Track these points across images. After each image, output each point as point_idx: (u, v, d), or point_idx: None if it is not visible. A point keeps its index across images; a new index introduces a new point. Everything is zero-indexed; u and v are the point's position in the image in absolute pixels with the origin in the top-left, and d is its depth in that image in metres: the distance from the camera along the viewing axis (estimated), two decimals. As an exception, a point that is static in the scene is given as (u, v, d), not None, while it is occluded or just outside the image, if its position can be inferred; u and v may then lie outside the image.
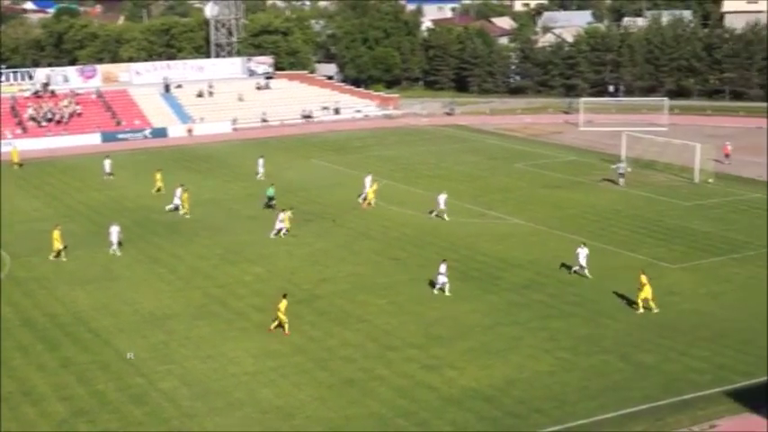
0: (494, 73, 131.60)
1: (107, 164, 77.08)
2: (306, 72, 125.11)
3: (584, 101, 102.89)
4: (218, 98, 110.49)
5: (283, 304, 41.24)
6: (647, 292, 43.06)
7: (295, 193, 69.26)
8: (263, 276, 49.82)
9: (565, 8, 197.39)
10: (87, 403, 34.91)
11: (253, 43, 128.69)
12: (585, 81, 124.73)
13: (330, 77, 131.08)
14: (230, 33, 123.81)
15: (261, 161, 76.13)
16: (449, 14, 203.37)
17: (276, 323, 41.50)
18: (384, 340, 40.35)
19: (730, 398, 34.28)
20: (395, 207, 64.67)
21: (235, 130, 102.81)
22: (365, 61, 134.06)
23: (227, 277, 49.76)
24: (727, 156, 78.08)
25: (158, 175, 71.58)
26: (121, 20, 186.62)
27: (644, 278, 43.31)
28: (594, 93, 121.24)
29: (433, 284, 46.50)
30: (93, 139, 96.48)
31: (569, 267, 49.20)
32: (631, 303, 44.20)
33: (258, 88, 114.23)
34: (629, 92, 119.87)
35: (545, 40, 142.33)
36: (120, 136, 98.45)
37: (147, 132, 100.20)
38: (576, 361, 37.82)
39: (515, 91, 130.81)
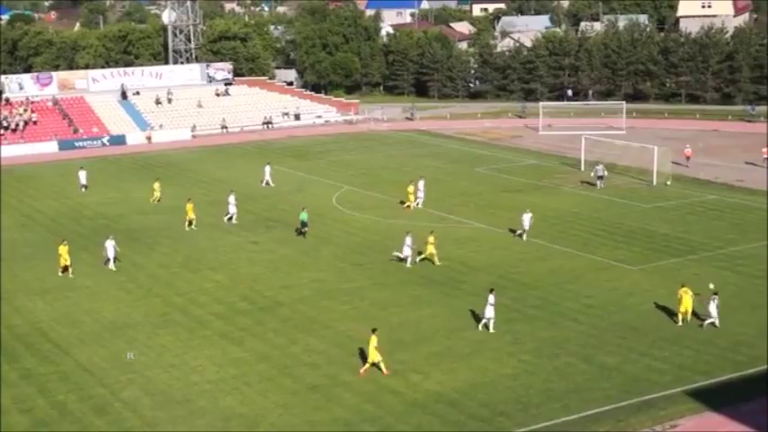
0: (453, 78, 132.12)
1: (82, 175, 75.24)
2: (265, 78, 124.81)
3: (543, 105, 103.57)
4: (177, 105, 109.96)
5: (373, 340, 37.25)
6: (686, 304, 41.76)
7: (256, 199, 69.04)
8: (224, 284, 49.62)
9: (523, 13, 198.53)
10: (48, 415, 34.57)
11: (211, 49, 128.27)
12: (544, 85, 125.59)
13: (290, 83, 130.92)
14: (188, 40, 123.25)
15: (267, 168, 74.94)
16: (408, 20, 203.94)
17: (369, 364, 37.42)
18: (348, 346, 40.32)
19: (691, 397, 34.61)
20: (357, 212, 64.67)
21: (194, 136, 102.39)
22: (325, 67, 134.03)
23: (189, 285, 49.52)
24: (687, 158, 78.85)
25: (156, 185, 70.33)
26: (77, 26, 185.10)
27: (683, 291, 42.08)
28: (553, 97, 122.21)
29: (478, 318, 42.63)
30: (50, 148, 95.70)
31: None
32: (590, 306, 44.55)
33: (217, 95, 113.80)
34: (587, 96, 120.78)
35: (504, 44, 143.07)
36: (78, 144, 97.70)
37: (105, 140, 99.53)
38: (539, 363, 38.03)
39: (475, 95, 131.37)
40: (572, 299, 45.57)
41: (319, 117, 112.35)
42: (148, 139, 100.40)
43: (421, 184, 66.26)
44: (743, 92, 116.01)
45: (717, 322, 41.40)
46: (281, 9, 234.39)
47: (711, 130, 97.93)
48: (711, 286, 43.78)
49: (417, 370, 37.65)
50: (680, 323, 41.92)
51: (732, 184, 71.82)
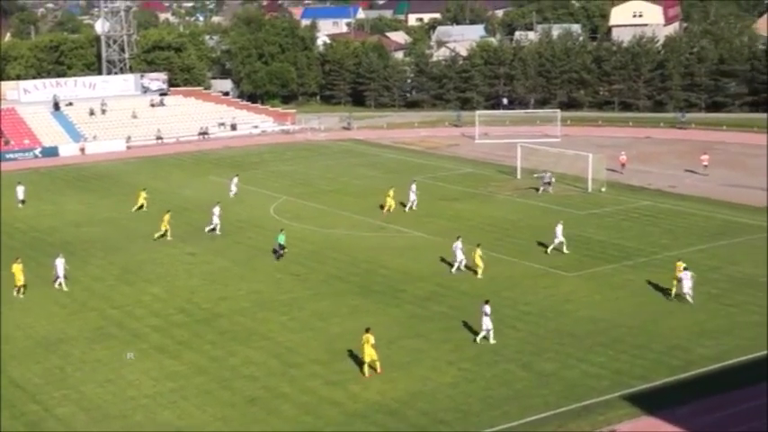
0: (390, 87, 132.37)
1: (20, 190, 73.40)
2: (201, 88, 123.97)
3: (479, 113, 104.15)
4: (111, 116, 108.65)
5: (370, 339, 37.65)
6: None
7: (192, 211, 68.43)
8: (161, 296, 49.03)
9: (458, 23, 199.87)
10: (-19, 432, 33.84)
11: (145, 59, 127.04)
12: (480, 94, 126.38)
13: (226, 93, 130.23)
14: (122, 50, 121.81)
15: (235, 179, 74.46)
16: (344, 29, 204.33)
17: (368, 365, 37.82)
18: (287, 357, 40.05)
19: (628, 402, 34.89)
20: (294, 223, 64.39)
21: (129, 148, 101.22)
22: (261, 77, 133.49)
23: (125, 298, 48.84)
24: (623, 165, 79.75)
25: (143, 194, 69.88)
26: (7, 36, 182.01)
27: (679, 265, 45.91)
28: (489, 106, 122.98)
29: (475, 333, 41.71)
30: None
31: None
32: (528, 313, 44.79)
33: (152, 105, 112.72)
34: (524, 104, 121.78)
35: (439, 54, 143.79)
36: (9, 156, 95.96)
37: (38, 152, 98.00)
38: (478, 371, 38.08)
39: (411, 105, 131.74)
40: (510, 306, 45.76)
41: (256, 127, 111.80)
42: (82, 150, 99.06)
43: (413, 186, 68.06)
44: (674, 99, 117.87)
45: (690, 297, 45.21)
46: (216, 19, 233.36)
47: (644, 137, 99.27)
48: (679, 263, 46.27)
49: (357, 380, 37.49)
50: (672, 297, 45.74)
51: (665, 190, 72.82)
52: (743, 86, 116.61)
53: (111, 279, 52.22)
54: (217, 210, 62.30)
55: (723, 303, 45.52)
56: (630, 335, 41.62)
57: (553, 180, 72.53)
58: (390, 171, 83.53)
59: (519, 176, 77.43)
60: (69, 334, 43.61)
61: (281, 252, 55.68)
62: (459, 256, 51.50)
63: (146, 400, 36.11)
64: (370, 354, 37.76)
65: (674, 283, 46.08)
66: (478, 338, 41.21)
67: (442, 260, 53.67)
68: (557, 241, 54.79)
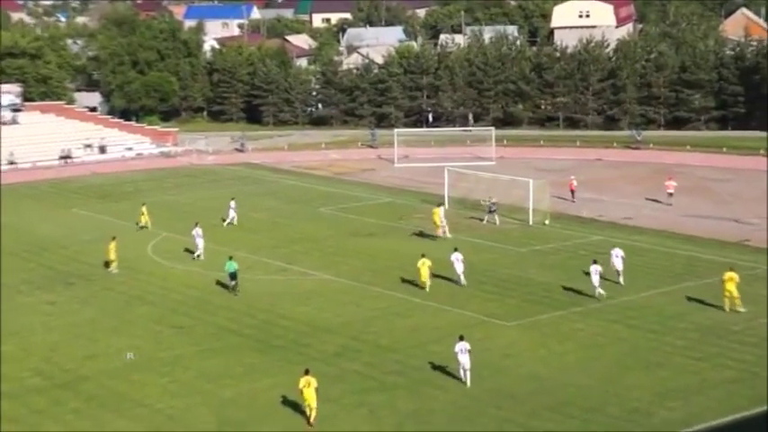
0: (291, 101, 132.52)
1: None
2: (63, 103, 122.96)
3: (398, 132, 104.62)
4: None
5: (313, 382, 39.20)
6: (731, 288, 51.64)
7: (53, 250, 67.53)
8: (14, 355, 48.07)
9: (372, 24, 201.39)
10: None
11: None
12: (399, 109, 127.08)
13: (93, 109, 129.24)
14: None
15: (232, 203, 75.25)
16: (236, 32, 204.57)
17: (313, 410, 39.30)
18: (168, 427, 39.55)
19: (579, 476, 35.11)
20: (177, 264, 63.84)
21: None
22: (136, 89, 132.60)
23: (-33, 359, 47.80)
24: (573, 192, 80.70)
25: (143, 209, 74.12)
26: None
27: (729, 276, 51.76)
28: (410, 122, 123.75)
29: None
30: None
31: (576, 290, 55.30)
32: (450, 372, 44.93)
33: (3, 123, 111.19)
34: (451, 121, 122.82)
35: (350, 61, 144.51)
36: None
37: None
38: (400, 442, 38.00)
39: (318, 122, 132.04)
40: (438, 362, 45.77)
41: (130, 149, 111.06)
42: None
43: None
44: (628, 114, 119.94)
45: (599, 292, 53.06)
46: (80, 20, 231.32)
47: (594, 160, 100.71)
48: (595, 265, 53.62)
49: (254, 455, 37.14)
50: (727, 309, 51.24)
51: (619, 222, 73.82)
52: (709, 99, 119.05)
53: (-49, 336, 51.09)
54: (199, 231, 65.56)
55: (691, 357, 46.04)
56: (581, 396, 41.88)
57: (495, 208, 73.07)
58: (292, 201, 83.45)
59: (447, 206, 77.84)
60: None
61: (233, 284, 56.68)
62: (460, 268, 57.06)
63: (-7, 485, 35.30)
64: (310, 399, 38.50)
65: (726, 294, 51.53)
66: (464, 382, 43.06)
67: (357, 307, 53.63)
68: (458, 271, 57.78)
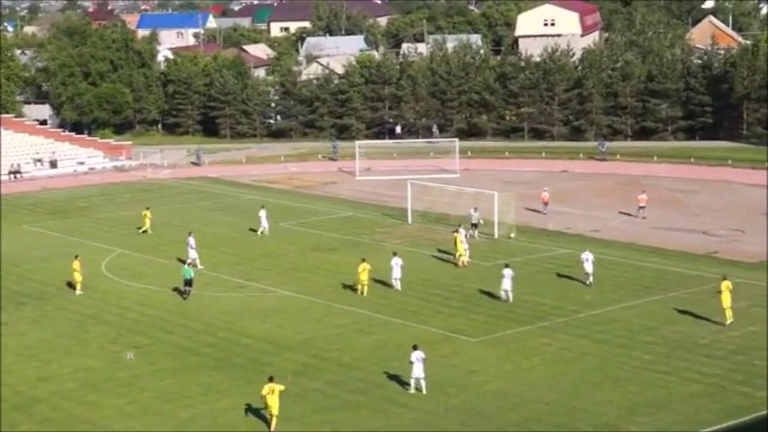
0: (249, 113, 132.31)
1: None
2: (11, 116, 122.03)
3: (359, 144, 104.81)
4: None
5: (277, 388, 40.49)
6: (726, 299, 52.14)
7: (3, 269, 67.07)
8: (-38, 378, 47.91)
9: (332, 33, 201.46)
10: None
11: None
12: (360, 120, 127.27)
13: (43, 122, 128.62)
14: None
15: (263, 213, 76.12)
16: (191, 41, 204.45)
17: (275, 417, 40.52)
18: (124, 450, 39.57)
19: (547, 494, 35.41)
20: (133, 282, 63.72)
21: None
22: (87, 101, 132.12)
23: None
24: (546, 204, 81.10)
25: (147, 213, 77.16)
26: None
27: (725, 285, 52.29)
28: (372, 134, 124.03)
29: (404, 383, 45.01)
30: None
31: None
32: (407, 387, 45.19)
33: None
34: (414, 132, 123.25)
35: (310, 71, 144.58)
36: None
37: None
38: (363, 461, 38.20)
39: (277, 134, 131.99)
40: (401, 380, 45.98)
41: (82, 164, 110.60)
42: None
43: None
44: (595, 125, 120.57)
45: (510, 296, 56.46)
46: (29, 29, 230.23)
47: (560, 171, 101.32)
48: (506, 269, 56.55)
49: (214, 477, 37.26)
50: (727, 322, 51.77)
51: (586, 234, 74.27)
52: (676, 109, 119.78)
53: None
54: (192, 241, 66.45)
55: (658, 371, 46.52)
56: (548, 412, 42.20)
57: (481, 221, 73.13)
58: (251, 216, 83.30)
59: (410, 220, 78.17)
60: None
61: (186, 289, 58.24)
62: (397, 273, 59.66)
63: None
64: (273, 406, 39.58)
65: (723, 306, 52.17)
66: (411, 387, 44.17)
67: (318, 324, 53.82)
68: (394, 276, 59.87)
